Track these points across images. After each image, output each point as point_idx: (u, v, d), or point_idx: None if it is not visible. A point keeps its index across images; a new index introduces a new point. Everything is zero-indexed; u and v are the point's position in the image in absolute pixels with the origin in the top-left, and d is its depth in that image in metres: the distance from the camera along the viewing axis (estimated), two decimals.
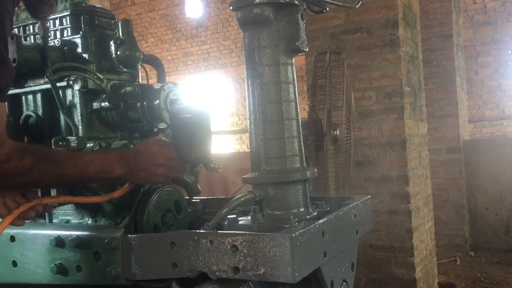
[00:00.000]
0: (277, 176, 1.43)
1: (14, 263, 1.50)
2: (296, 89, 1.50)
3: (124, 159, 1.36)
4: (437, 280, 3.95)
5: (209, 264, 1.24)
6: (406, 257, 3.45)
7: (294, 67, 1.50)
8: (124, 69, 1.69)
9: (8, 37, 1.13)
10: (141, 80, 1.83)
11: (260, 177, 1.44)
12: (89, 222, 1.57)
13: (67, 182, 1.34)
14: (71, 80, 1.56)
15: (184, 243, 1.28)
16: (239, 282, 1.32)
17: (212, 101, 12.27)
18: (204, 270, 1.25)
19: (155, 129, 1.72)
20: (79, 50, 1.62)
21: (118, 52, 1.64)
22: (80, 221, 1.59)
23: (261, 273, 1.17)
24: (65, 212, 1.61)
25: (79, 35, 1.62)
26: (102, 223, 1.55)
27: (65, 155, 1.32)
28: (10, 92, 1.69)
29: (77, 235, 1.41)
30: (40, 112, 1.65)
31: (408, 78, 3.50)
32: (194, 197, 1.82)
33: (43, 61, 1.54)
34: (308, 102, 3.20)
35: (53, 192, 1.47)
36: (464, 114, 5.80)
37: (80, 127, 1.60)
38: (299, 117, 1.51)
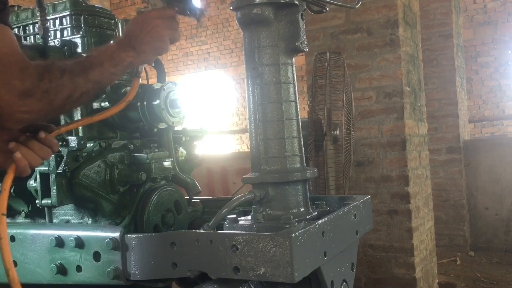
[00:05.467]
0: (277, 176, 1.43)
1: (14, 263, 1.50)
2: (296, 89, 1.50)
3: (124, 43, 1.27)
4: (437, 280, 3.95)
5: (209, 264, 1.24)
6: (406, 257, 3.45)
7: (294, 67, 1.50)
8: None
9: None
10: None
11: (260, 177, 1.44)
12: (89, 222, 1.57)
13: (93, 89, 1.21)
14: None
15: (184, 243, 1.28)
16: (239, 282, 1.33)
17: (212, 101, 12.28)
18: (204, 270, 1.25)
19: (155, 129, 1.72)
20: (79, 50, 1.62)
21: None
22: (80, 221, 1.59)
23: (261, 273, 1.17)
24: (65, 212, 1.61)
25: (79, 35, 1.62)
26: (102, 223, 1.55)
27: (77, 61, 1.22)
28: None
29: (77, 235, 1.41)
30: None
31: (408, 78, 3.50)
32: (194, 197, 1.82)
33: None
34: (308, 102, 3.20)
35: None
36: (464, 114, 5.79)
37: (80, 127, 1.60)
38: (299, 117, 1.51)
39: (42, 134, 1.16)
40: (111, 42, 1.30)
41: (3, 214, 1.09)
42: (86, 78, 1.16)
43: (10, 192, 1.61)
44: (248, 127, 1.50)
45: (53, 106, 1.11)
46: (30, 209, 1.67)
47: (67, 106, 1.17)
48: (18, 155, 1.11)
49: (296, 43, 1.45)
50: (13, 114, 1.06)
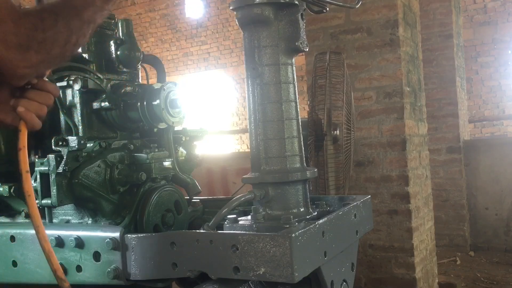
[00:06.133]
0: (277, 176, 1.43)
1: (14, 263, 1.50)
2: (296, 89, 1.50)
3: None
4: (437, 280, 3.95)
5: (209, 264, 1.24)
6: (406, 257, 3.45)
7: (294, 67, 1.50)
8: (124, 69, 1.70)
9: None
10: (141, 80, 1.83)
11: (260, 177, 1.44)
12: (89, 222, 1.57)
13: (88, 30, 1.13)
14: (71, 80, 1.56)
15: (184, 243, 1.28)
16: (239, 282, 1.33)
17: (212, 101, 12.28)
18: (204, 270, 1.25)
19: (155, 129, 1.72)
20: (79, 50, 1.62)
21: (118, 52, 1.64)
22: (80, 221, 1.59)
23: (261, 273, 1.17)
24: (65, 212, 1.61)
25: None
26: (102, 223, 1.55)
27: (69, 2, 1.14)
28: None
29: (77, 235, 1.41)
30: None
31: (408, 78, 3.50)
32: (194, 197, 1.82)
33: None
34: (308, 102, 3.20)
35: None
36: (464, 114, 5.79)
37: (80, 127, 1.60)
38: (299, 117, 1.51)
39: (34, 80, 1.11)
40: None
41: (27, 172, 1.06)
42: (80, 20, 1.09)
43: (10, 192, 1.62)
44: (248, 127, 1.50)
45: (53, 55, 1.06)
46: None
47: (67, 53, 1.11)
48: (21, 109, 1.08)
49: (296, 43, 1.45)
50: (15, 70, 1.02)
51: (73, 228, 1.49)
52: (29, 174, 1.06)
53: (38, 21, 1.03)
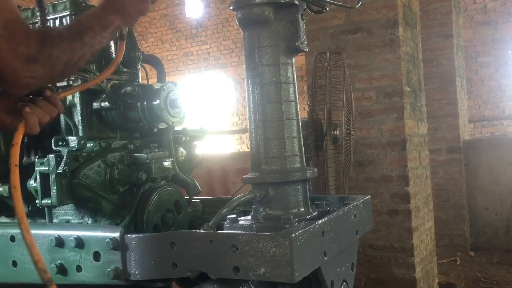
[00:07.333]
0: (277, 176, 1.43)
1: (14, 263, 1.50)
2: (296, 89, 1.50)
3: (108, 7, 1.29)
4: (437, 280, 3.95)
5: (209, 264, 1.24)
6: (406, 257, 3.45)
7: (294, 67, 1.50)
8: (124, 69, 1.70)
9: None
10: (141, 80, 1.83)
11: (260, 177, 1.44)
12: (89, 222, 1.57)
13: (88, 53, 1.24)
14: (71, 80, 1.56)
15: (184, 243, 1.28)
16: (239, 282, 1.33)
17: (212, 101, 12.28)
18: (204, 270, 1.25)
19: (155, 129, 1.72)
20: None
21: None
22: (80, 221, 1.59)
23: (261, 273, 1.17)
24: (65, 212, 1.61)
25: None
26: (102, 223, 1.55)
27: (70, 27, 1.30)
28: None
29: (77, 235, 1.41)
30: None
31: (408, 78, 3.50)
32: (194, 197, 1.82)
33: None
34: (308, 102, 3.20)
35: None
36: (464, 114, 5.79)
37: (80, 127, 1.60)
38: (299, 117, 1.51)
39: (48, 92, 1.21)
40: (96, 6, 1.33)
41: (16, 165, 1.11)
42: (81, 43, 1.19)
43: (10, 192, 1.62)
44: (248, 127, 1.50)
45: (55, 71, 1.15)
46: (30, 209, 1.67)
47: (67, 71, 1.22)
48: (27, 109, 1.14)
49: (296, 43, 1.45)
50: (20, 80, 1.10)
51: (73, 228, 1.49)
52: (17, 168, 1.11)
53: (46, 38, 1.12)
